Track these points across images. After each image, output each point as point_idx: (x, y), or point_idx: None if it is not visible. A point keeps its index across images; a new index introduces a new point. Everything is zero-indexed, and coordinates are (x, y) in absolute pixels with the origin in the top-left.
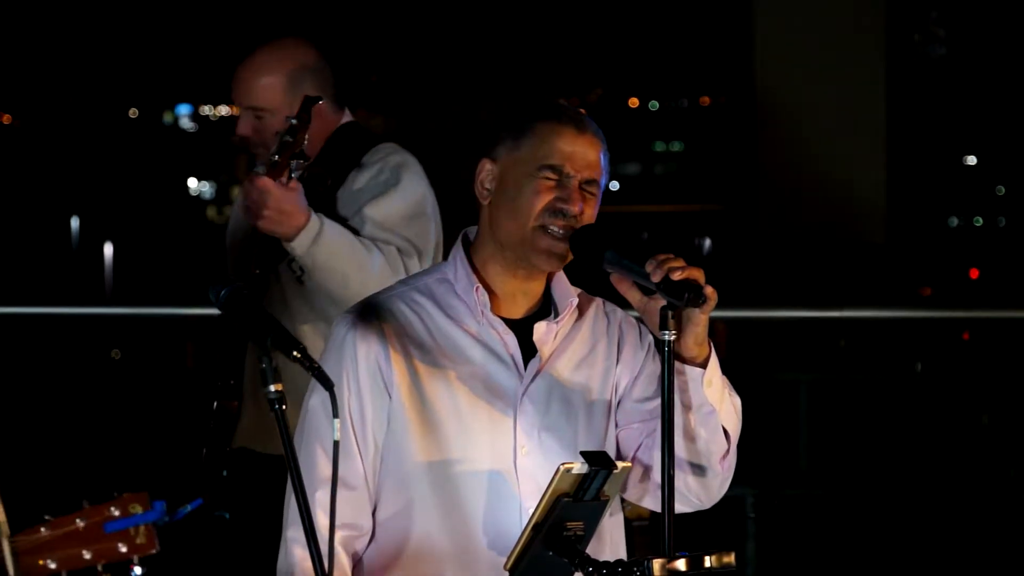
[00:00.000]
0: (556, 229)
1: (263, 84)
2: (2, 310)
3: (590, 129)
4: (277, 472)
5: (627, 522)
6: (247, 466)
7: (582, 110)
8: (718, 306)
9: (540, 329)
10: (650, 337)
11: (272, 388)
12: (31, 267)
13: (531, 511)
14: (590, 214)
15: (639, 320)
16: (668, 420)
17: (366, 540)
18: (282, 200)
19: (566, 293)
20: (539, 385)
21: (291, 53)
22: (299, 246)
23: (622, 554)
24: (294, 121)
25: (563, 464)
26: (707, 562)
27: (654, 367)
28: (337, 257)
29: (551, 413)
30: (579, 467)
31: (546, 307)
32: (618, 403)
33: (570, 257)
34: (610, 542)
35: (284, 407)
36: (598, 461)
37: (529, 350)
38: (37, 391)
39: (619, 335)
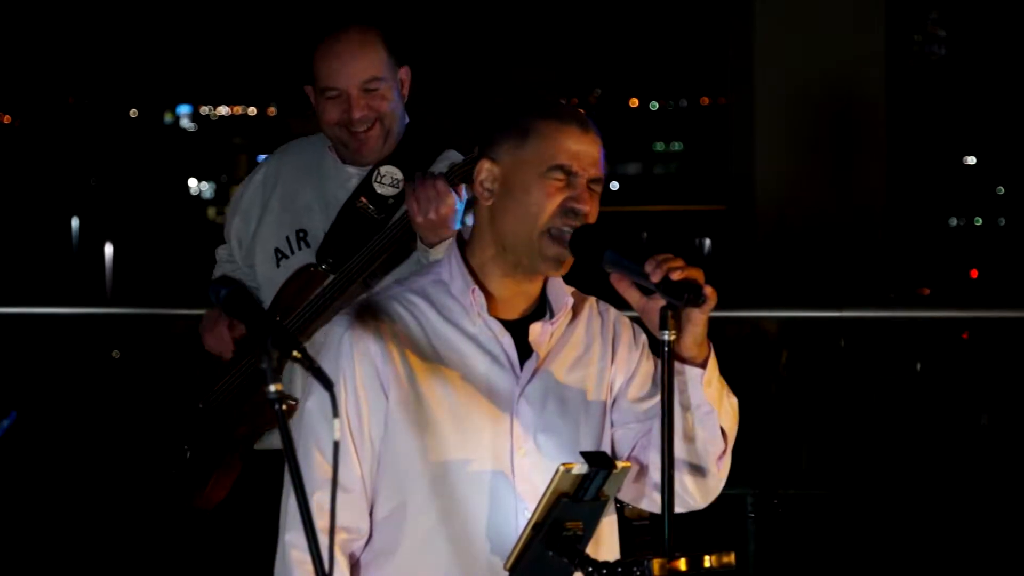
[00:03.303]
0: (567, 230)
1: (369, 55)
2: (2, 310)
3: (591, 126)
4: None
5: (627, 522)
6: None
7: (581, 110)
8: (718, 306)
9: (536, 330)
10: (644, 337)
11: (272, 388)
12: (31, 267)
13: (527, 511)
14: (595, 212)
15: (632, 320)
16: (668, 420)
17: (363, 542)
18: (451, 210)
19: (561, 293)
20: (536, 386)
21: (370, 29)
22: (435, 253)
23: (616, 554)
24: (476, 149)
25: (563, 464)
26: (707, 562)
27: (648, 367)
28: None
29: (547, 413)
30: (579, 467)
31: (541, 307)
32: (613, 403)
33: (571, 261)
34: (606, 543)
35: (285, 407)
36: (598, 461)
37: (525, 351)
38: (37, 391)
39: (613, 335)
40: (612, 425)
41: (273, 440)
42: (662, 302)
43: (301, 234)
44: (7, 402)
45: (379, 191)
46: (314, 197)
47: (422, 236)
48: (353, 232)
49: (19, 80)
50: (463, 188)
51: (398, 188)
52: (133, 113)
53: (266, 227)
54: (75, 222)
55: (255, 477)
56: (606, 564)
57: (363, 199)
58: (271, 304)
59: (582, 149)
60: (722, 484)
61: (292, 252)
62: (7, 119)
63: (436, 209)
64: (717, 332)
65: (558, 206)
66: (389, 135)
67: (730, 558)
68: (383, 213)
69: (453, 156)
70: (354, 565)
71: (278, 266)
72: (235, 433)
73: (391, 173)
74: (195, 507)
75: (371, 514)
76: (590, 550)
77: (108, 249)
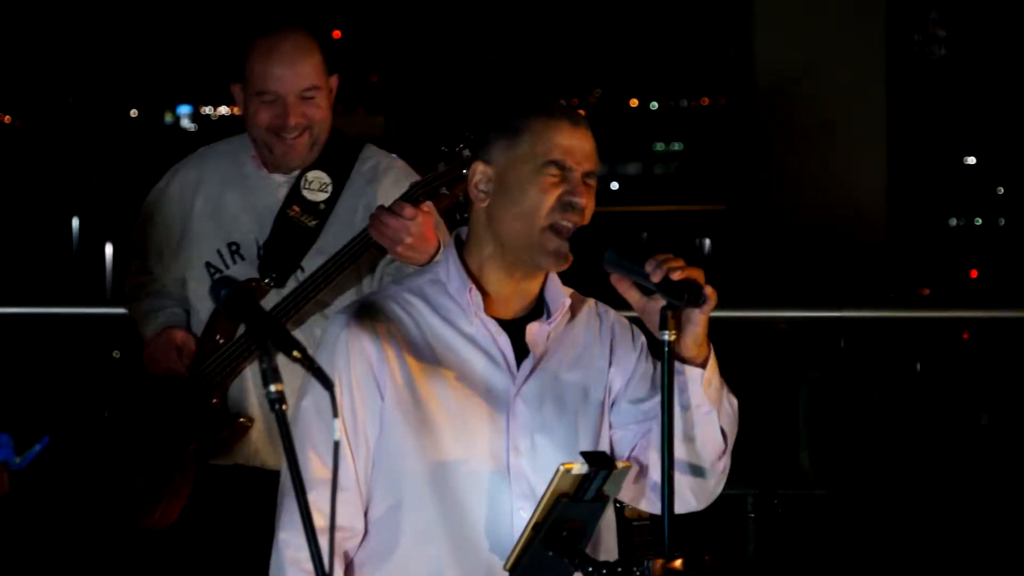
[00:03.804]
0: (566, 224)
1: (309, 63)
2: (2, 310)
3: (582, 121)
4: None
5: (627, 522)
6: (259, 484)
7: (581, 111)
8: (718, 306)
9: (533, 330)
10: (643, 338)
11: (272, 388)
12: (31, 267)
13: (523, 512)
14: (592, 206)
15: (631, 320)
16: (668, 421)
17: (357, 541)
18: (423, 227)
19: (559, 294)
20: (532, 386)
21: (308, 34)
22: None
23: (614, 554)
24: (441, 166)
25: (563, 464)
26: (707, 562)
27: (647, 367)
28: None
29: (544, 414)
30: (579, 467)
31: (539, 308)
32: (612, 404)
33: (571, 258)
34: (604, 543)
35: (285, 407)
36: (598, 461)
37: (522, 351)
38: (37, 391)
39: (611, 336)
40: (611, 427)
41: (229, 457)
42: (662, 302)
43: (233, 247)
44: (6, 402)
45: (309, 197)
46: (241, 207)
47: (410, 262)
48: (290, 242)
49: (19, 80)
50: (426, 204)
51: (328, 193)
52: (133, 113)
53: (193, 240)
54: (75, 222)
55: (212, 494)
56: (606, 564)
57: (295, 207)
58: (209, 320)
59: (575, 143)
60: (722, 485)
61: (227, 266)
62: (7, 119)
63: (408, 233)
64: (726, 332)
65: (555, 201)
66: (316, 143)
67: (730, 558)
68: (316, 219)
69: (374, 151)
70: (348, 565)
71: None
72: (187, 449)
73: (319, 178)
74: (144, 528)
75: (366, 513)
76: (587, 550)
77: (108, 249)
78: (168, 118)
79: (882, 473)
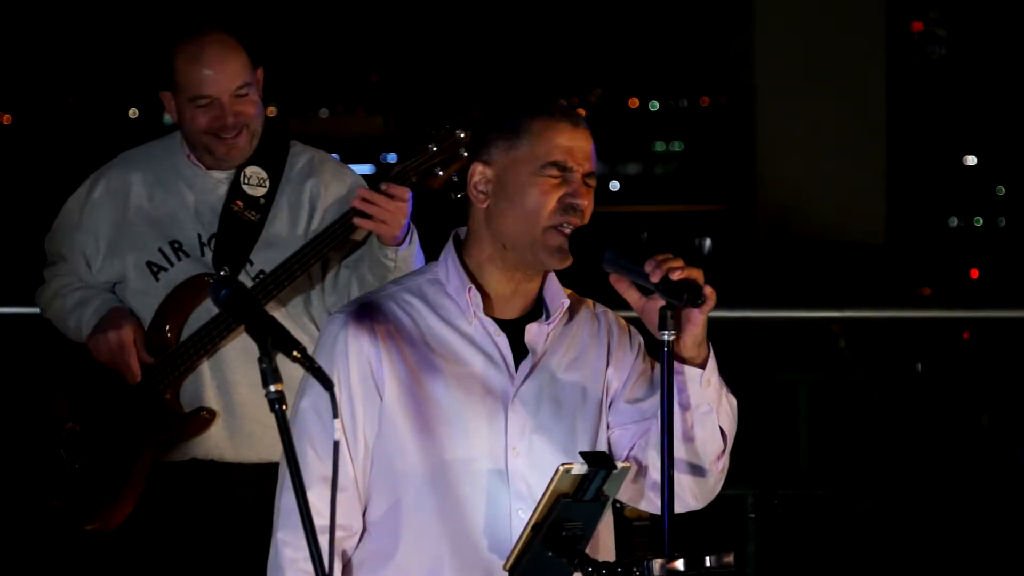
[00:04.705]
0: (567, 226)
1: (237, 61)
2: (2, 310)
3: (582, 121)
4: (252, 480)
5: (627, 522)
6: (217, 478)
7: (581, 110)
8: (718, 306)
9: (532, 330)
10: (640, 338)
11: (272, 388)
12: (31, 267)
13: (521, 512)
14: (592, 207)
15: (631, 321)
16: (667, 420)
17: (355, 541)
18: (406, 211)
19: (557, 295)
20: (530, 386)
21: (228, 33)
22: (403, 249)
23: (613, 554)
24: (433, 147)
25: (563, 464)
26: (707, 562)
27: (644, 367)
28: (415, 252)
29: (542, 414)
30: (579, 467)
31: (538, 308)
32: (610, 404)
33: (571, 260)
34: (602, 543)
35: (284, 407)
36: (598, 461)
37: (521, 351)
38: (37, 392)
39: (609, 336)
40: (609, 427)
41: (184, 452)
42: (661, 302)
43: (176, 245)
44: (6, 403)
45: (249, 192)
46: (179, 206)
47: (386, 240)
48: (237, 236)
49: (19, 80)
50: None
51: (265, 187)
52: (133, 113)
53: (129, 242)
54: None
55: (171, 491)
56: (606, 564)
57: (238, 202)
58: (156, 314)
59: (575, 144)
60: (720, 484)
61: (171, 264)
62: (7, 119)
63: (403, 213)
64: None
65: (556, 203)
66: (255, 137)
67: (730, 558)
68: (258, 214)
69: (303, 146)
70: (346, 565)
71: (157, 280)
72: (140, 448)
73: (257, 173)
74: (91, 531)
75: (365, 514)
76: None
77: None
78: (168, 118)
79: (882, 473)
